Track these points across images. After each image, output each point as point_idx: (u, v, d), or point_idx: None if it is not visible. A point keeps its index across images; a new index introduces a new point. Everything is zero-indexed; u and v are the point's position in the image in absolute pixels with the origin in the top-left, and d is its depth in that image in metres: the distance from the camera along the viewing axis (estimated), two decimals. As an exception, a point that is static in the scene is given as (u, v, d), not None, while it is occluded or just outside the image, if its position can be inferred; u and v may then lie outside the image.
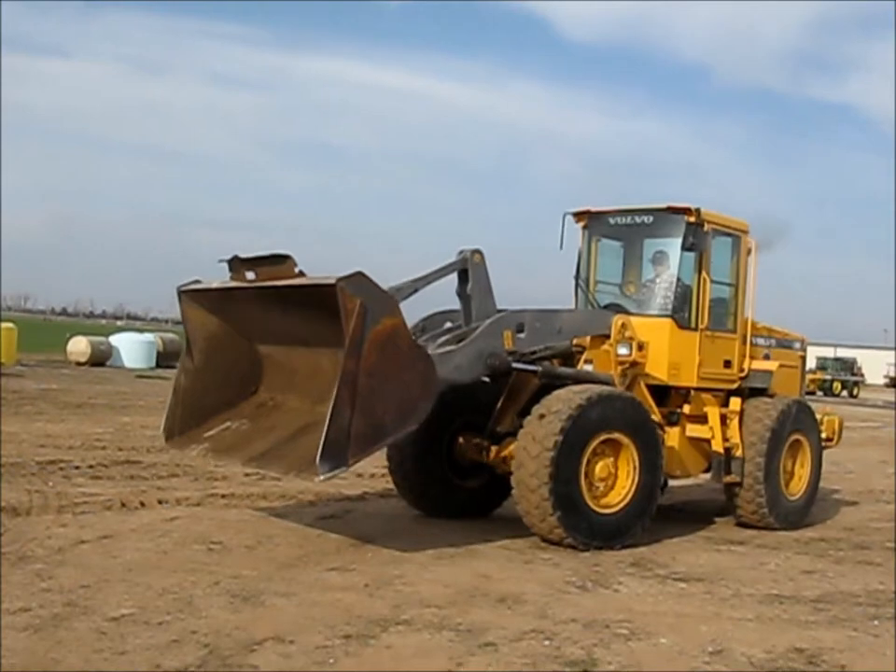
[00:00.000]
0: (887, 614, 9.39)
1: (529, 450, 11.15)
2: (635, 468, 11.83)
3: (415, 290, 11.66)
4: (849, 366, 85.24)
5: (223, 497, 13.44)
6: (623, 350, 12.61)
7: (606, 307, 13.82)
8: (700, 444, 13.65)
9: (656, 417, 12.72)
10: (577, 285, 14.42)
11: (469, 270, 12.12)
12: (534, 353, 12.18)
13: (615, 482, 11.84)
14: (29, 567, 9.25)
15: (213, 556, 10.15)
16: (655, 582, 10.22)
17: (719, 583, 10.32)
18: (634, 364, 12.70)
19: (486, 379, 12.49)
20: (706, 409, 13.64)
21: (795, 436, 14.16)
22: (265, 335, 11.70)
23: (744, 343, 14.09)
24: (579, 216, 14.28)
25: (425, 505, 13.21)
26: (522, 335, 12.02)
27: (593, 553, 11.28)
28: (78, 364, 44.05)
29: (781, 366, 14.49)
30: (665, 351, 13.05)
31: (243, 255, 11.04)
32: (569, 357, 12.68)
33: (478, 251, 12.15)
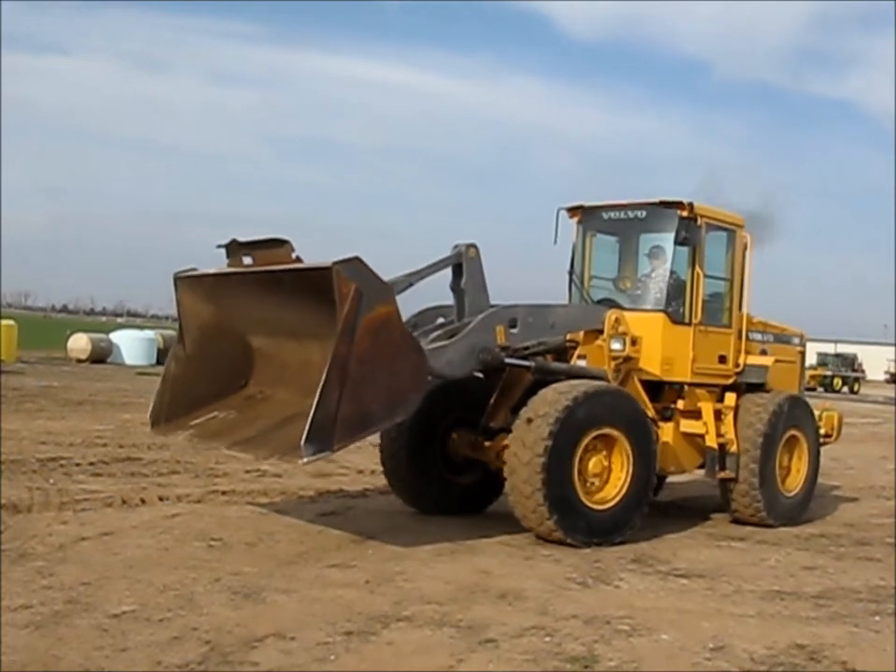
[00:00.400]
0: (888, 610, 9.38)
1: (520, 456, 11.11)
2: (628, 461, 11.78)
3: (410, 285, 11.58)
4: (850, 362, 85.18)
5: (224, 493, 13.43)
6: (616, 345, 12.55)
7: (599, 302, 13.78)
8: (694, 440, 13.58)
9: (649, 412, 12.67)
10: (571, 279, 14.38)
11: (463, 264, 12.05)
12: (527, 348, 12.13)
13: (609, 476, 11.80)
14: (30, 564, 9.25)
15: (214, 553, 10.15)
16: (656, 579, 10.22)
17: (720, 580, 10.31)
18: (627, 359, 12.65)
19: (480, 374, 12.44)
20: (700, 404, 13.55)
21: (792, 432, 14.06)
22: (258, 327, 11.60)
23: (739, 338, 14.04)
24: (573, 210, 14.26)
25: (418, 502, 13.15)
26: (514, 330, 11.96)
27: (594, 549, 11.28)
28: (79, 361, 44.10)
29: (777, 361, 14.41)
30: (658, 346, 13.02)
31: (241, 238, 11.05)
32: (563, 353, 12.63)
33: (473, 245, 12.06)
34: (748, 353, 14.15)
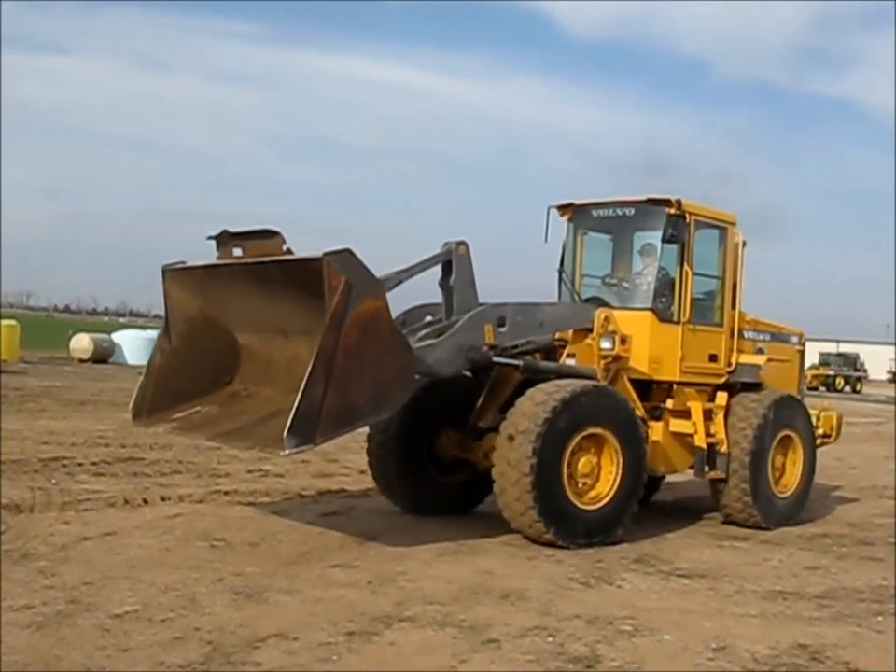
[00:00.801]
0: (890, 610, 9.38)
1: (508, 476, 11.02)
2: (618, 460, 11.69)
3: (399, 282, 11.44)
4: (852, 361, 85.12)
5: (226, 493, 13.43)
6: (605, 344, 12.43)
7: (588, 300, 13.66)
8: (685, 439, 13.41)
9: (638, 411, 12.56)
10: (560, 278, 14.29)
11: (452, 262, 11.92)
12: (515, 347, 12.05)
13: (599, 475, 11.72)
14: (32, 564, 9.25)
15: (216, 553, 10.14)
16: (659, 579, 10.21)
17: (722, 580, 10.31)
18: (617, 358, 12.53)
19: (468, 373, 12.35)
20: (689, 403, 13.40)
21: (785, 431, 13.89)
22: (246, 323, 11.45)
23: (732, 336, 13.89)
24: (563, 208, 14.21)
25: (406, 502, 13.04)
26: (503, 329, 11.88)
27: (596, 549, 11.28)
28: (81, 361, 44.15)
29: (771, 360, 14.34)
30: (646, 344, 12.90)
31: (232, 229, 11.00)
32: (552, 351, 12.56)
33: (463, 243, 11.92)
34: (741, 352, 14.01)
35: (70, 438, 17.88)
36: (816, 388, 73.28)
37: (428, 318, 12.42)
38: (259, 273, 10.60)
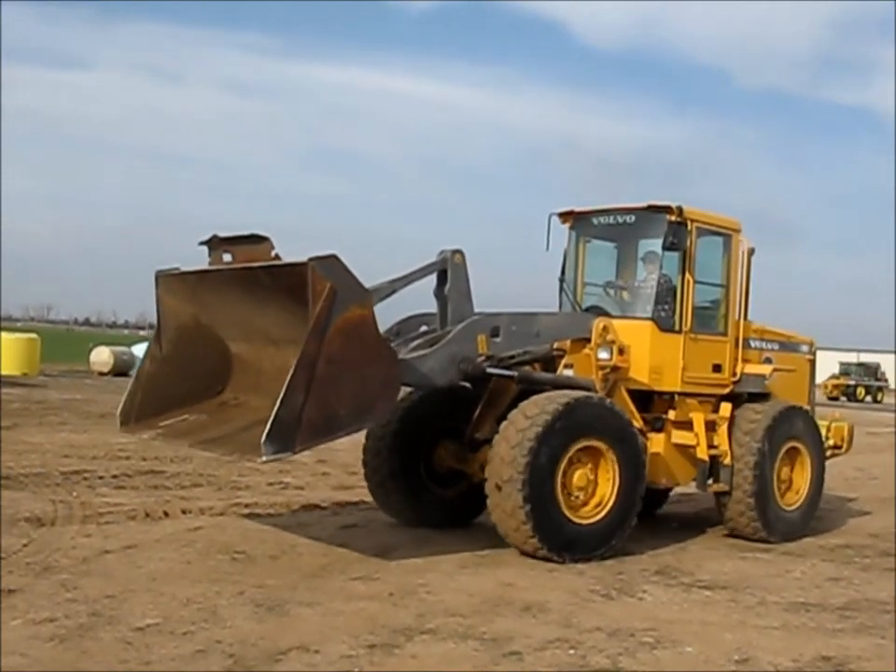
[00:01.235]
0: (914, 622, 9.33)
1: (500, 492, 10.84)
2: (614, 473, 11.48)
3: (393, 291, 11.24)
4: (873, 371, 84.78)
5: (246, 506, 13.44)
6: (603, 354, 12.19)
7: (588, 310, 13.47)
8: (687, 451, 13.14)
9: (637, 423, 12.33)
10: (561, 286, 14.14)
11: (448, 271, 11.68)
12: (512, 357, 11.86)
13: (595, 488, 11.51)
14: (54, 577, 9.28)
15: (237, 566, 10.16)
16: (680, 590, 10.18)
17: (744, 591, 10.27)
18: (615, 369, 12.28)
19: (467, 384, 12.22)
20: (691, 414, 13.11)
21: (792, 443, 13.61)
22: (238, 332, 11.33)
23: (737, 346, 13.68)
24: (564, 216, 14.02)
25: (401, 514, 12.89)
26: (498, 339, 11.70)
27: (618, 560, 11.26)
28: (101, 374, 44.24)
29: (778, 369, 14.06)
30: (646, 354, 12.69)
31: (222, 234, 10.92)
32: (550, 362, 12.33)
33: (459, 251, 11.70)
34: (747, 361, 13.80)
35: (91, 451, 17.91)
36: (837, 398, 73.13)
37: (424, 328, 12.27)
38: (247, 279, 10.48)
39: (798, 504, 13.80)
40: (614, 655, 7.79)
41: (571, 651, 7.83)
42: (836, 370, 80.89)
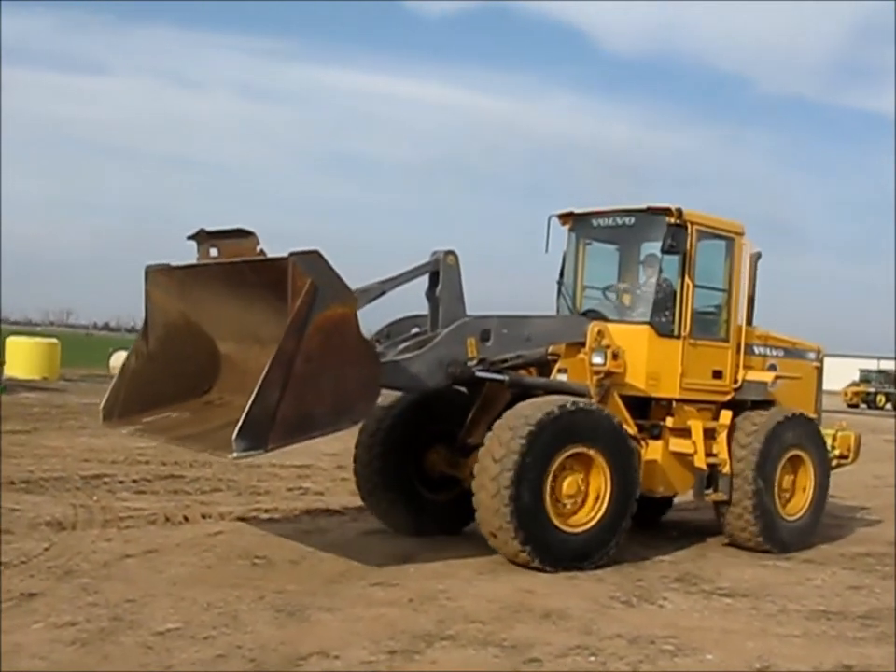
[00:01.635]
0: (935, 630, 9.28)
1: (487, 503, 10.65)
2: (606, 481, 11.23)
3: (383, 292, 11.11)
4: (893, 378, 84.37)
5: (266, 511, 13.46)
6: (597, 359, 11.86)
7: (585, 313, 13.15)
8: (686, 459, 12.77)
9: (631, 430, 12.03)
10: (559, 289, 13.95)
11: (440, 272, 11.53)
12: (504, 361, 11.73)
13: (586, 496, 11.28)
14: (75, 581, 9.32)
15: (257, 571, 10.18)
16: (700, 598, 10.16)
17: (764, 599, 10.25)
18: (610, 374, 11.94)
19: (462, 388, 12.17)
20: (689, 422, 12.79)
21: (794, 451, 13.26)
22: (226, 331, 11.09)
23: (739, 352, 13.34)
24: (564, 217, 13.77)
25: (392, 520, 12.66)
26: (488, 343, 11.56)
27: (637, 567, 11.26)
28: (121, 379, 44.21)
29: (781, 377, 13.77)
30: (643, 360, 12.38)
31: (209, 228, 10.83)
32: (545, 366, 12.15)
33: (451, 252, 11.54)
34: (750, 368, 13.48)
35: (111, 455, 17.95)
36: (857, 405, 72.93)
37: (415, 330, 12.05)
38: (232, 274, 10.37)
39: (801, 514, 13.47)
40: (635, 662, 7.79)
41: (592, 658, 7.83)
42: (856, 377, 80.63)
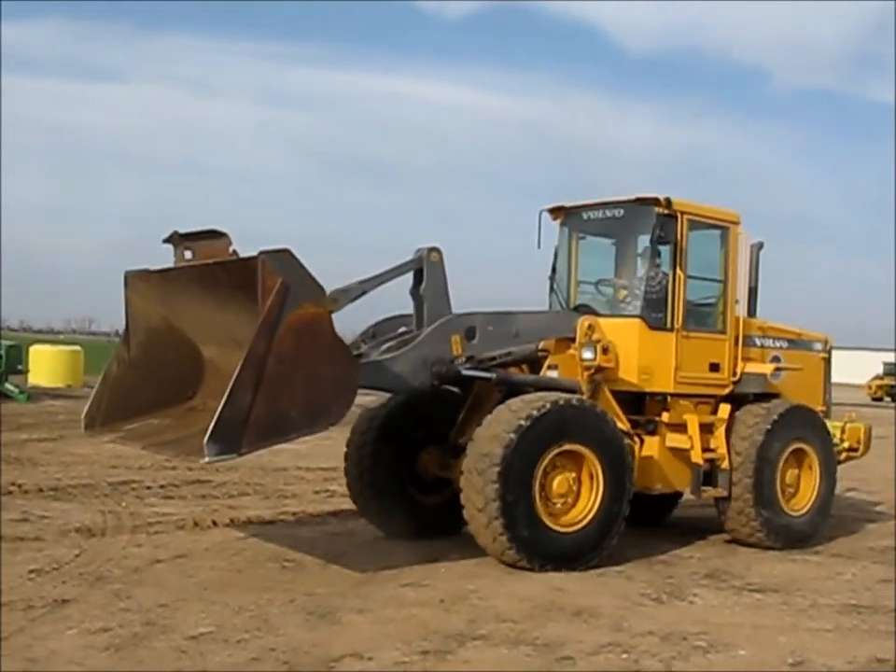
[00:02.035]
0: (968, 623, 9.24)
1: (474, 502, 10.49)
2: (598, 478, 10.98)
3: (363, 292, 10.83)
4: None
5: (294, 514, 13.51)
6: (587, 354, 11.58)
7: (576, 309, 12.99)
8: (684, 455, 12.45)
9: (623, 426, 11.77)
10: (551, 285, 13.68)
11: (424, 269, 11.29)
12: (493, 359, 11.52)
13: (578, 494, 11.03)
14: (107, 586, 9.36)
15: (287, 574, 10.20)
16: (731, 594, 10.13)
17: (795, 594, 10.22)
18: (600, 369, 11.65)
19: (456, 389, 11.98)
20: (686, 416, 12.53)
21: (797, 445, 12.93)
22: (207, 335, 10.85)
23: (736, 344, 13.05)
24: (554, 212, 13.48)
25: (384, 523, 12.46)
26: (473, 340, 11.35)
27: (666, 564, 11.24)
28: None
29: (780, 368, 13.46)
30: (634, 354, 12.11)
31: (182, 230, 10.62)
32: (536, 363, 11.88)
33: (435, 249, 11.31)
34: (750, 360, 13.18)
35: (137, 461, 17.98)
36: (881, 399, 72.56)
37: (402, 329, 11.81)
38: (206, 277, 10.14)
39: (805, 509, 13.13)
40: (667, 659, 7.77)
41: (624, 656, 7.82)
42: (880, 370, 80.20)
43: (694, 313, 12.77)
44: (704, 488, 12.50)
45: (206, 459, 8.92)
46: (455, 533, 12.07)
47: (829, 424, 14.07)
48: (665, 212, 12.30)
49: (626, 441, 11.55)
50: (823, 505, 13.37)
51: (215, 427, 8.81)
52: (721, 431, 12.67)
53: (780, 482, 12.76)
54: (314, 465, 17.81)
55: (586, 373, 11.67)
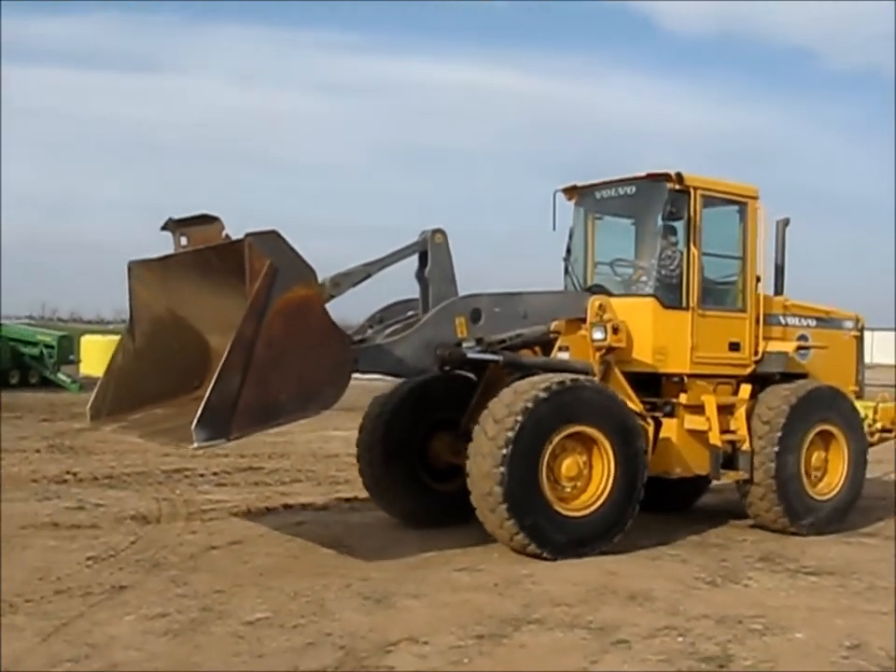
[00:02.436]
0: None
1: (480, 486, 10.29)
2: (609, 461, 10.73)
3: (368, 275, 10.72)
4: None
5: (347, 500, 13.58)
6: (597, 334, 11.39)
7: (589, 289, 12.59)
8: (703, 437, 12.08)
9: (636, 407, 11.56)
10: (566, 266, 13.32)
11: (428, 251, 11.13)
12: (503, 341, 11.27)
13: (589, 478, 10.78)
14: (164, 573, 9.47)
15: (342, 559, 10.27)
16: (786, 577, 10.07)
17: (851, 577, 10.13)
18: (611, 349, 11.45)
19: (472, 375, 11.86)
20: (704, 397, 12.11)
21: (823, 426, 12.48)
22: (211, 322, 10.61)
23: (758, 322, 12.60)
24: (568, 191, 13.18)
25: (397, 510, 12.34)
26: (479, 322, 11.13)
27: (720, 548, 11.19)
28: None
29: (804, 346, 13.10)
30: (648, 334, 11.82)
31: (176, 217, 10.57)
32: (547, 345, 11.66)
33: (440, 231, 11.13)
34: (774, 339, 12.75)
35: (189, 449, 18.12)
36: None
37: (410, 313, 11.57)
38: (200, 262, 10.08)
39: (834, 493, 12.71)
40: (723, 642, 7.73)
41: (680, 639, 7.79)
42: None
43: (712, 291, 12.49)
44: (724, 471, 12.21)
45: (195, 445, 8.84)
46: (468, 521, 11.67)
47: (860, 404, 13.72)
48: (677, 187, 11.97)
49: (638, 422, 11.31)
50: (853, 488, 12.95)
51: (202, 412, 8.72)
52: (741, 412, 12.30)
53: (805, 465, 12.41)
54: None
55: (597, 354, 11.52)
